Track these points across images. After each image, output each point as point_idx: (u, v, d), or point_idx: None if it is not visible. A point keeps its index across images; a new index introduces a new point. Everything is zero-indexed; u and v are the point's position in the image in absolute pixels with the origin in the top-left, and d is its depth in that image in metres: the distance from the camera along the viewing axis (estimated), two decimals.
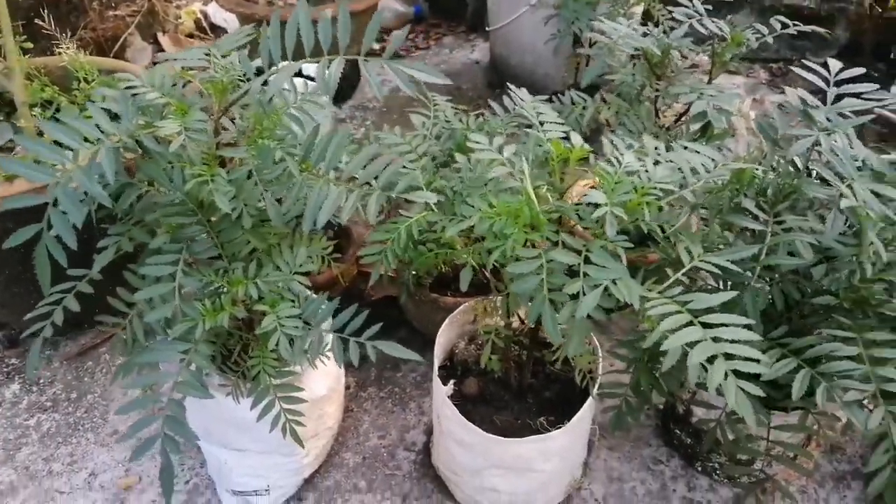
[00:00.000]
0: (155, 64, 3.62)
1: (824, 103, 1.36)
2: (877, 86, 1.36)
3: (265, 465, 1.55)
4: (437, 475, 1.66)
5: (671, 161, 1.22)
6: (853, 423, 1.13)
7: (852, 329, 1.20)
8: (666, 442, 1.75)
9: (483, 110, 1.81)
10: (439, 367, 1.61)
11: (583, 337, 1.09)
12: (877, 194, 1.21)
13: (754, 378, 0.97)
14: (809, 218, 1.26)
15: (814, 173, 1.31)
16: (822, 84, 1.36)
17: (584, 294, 1.05)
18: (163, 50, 3.53)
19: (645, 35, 1.68)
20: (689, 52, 1.77)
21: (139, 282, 1.22)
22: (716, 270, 1.15)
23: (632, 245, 1.15)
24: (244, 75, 1.22)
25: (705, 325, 1.00)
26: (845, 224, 1.25)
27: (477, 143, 1.27)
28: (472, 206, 1.20)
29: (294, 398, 1.22)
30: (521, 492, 1.51)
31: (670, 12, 1.78)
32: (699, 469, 1.68)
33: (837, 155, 1.23)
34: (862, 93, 1.39)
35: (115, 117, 1.13)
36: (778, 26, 1.77)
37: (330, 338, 1.24)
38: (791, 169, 1.34)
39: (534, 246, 1.15)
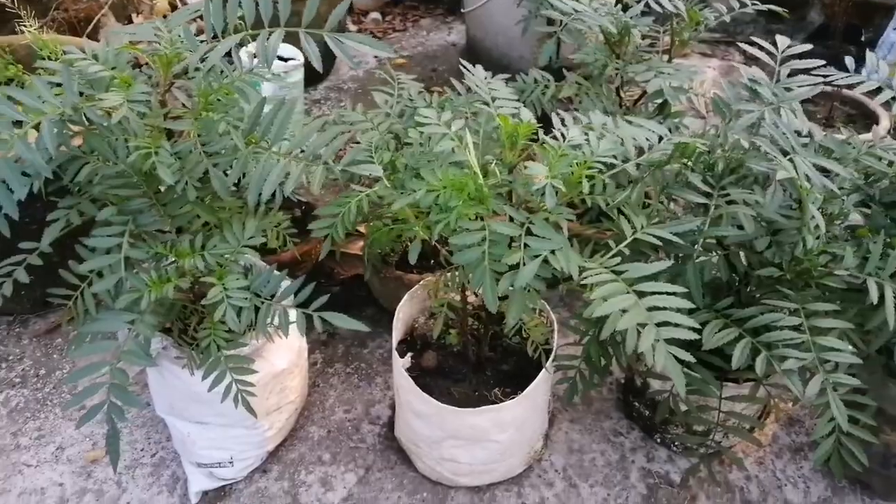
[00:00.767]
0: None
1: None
2: (823, 62, 1.37)
3: (228, 438, 1.57)
4: (399, 447, 1.69)
5: (616, 136, 1.24)
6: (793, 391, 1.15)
7: (795, 300, 1.23)
8: (626, 414, 1.77)
9: (446, 89, 1.82)
10: (400, 342, 1.63)
11: (522, 306, 1.10)
12: (822, 169, 1.23)
13: (691, 346, 0.99)
14: (756, 192, 1.27)
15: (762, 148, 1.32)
16: (769, 60, 1.37)
17: (524, 264, 1.07)
18: None
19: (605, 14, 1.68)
20: (650, 31, 1.78)
21: (89, 254, 1.23)
22: (658, 242, 1.17)
23: (573, 217, 1.17)
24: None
25: (640, 294, 1.02)
26: (792, 197, 1.27)
27: (425, 117, 1.28)
28: (422, 180, 1.21)
29: (245, 369, 1.24)
30: (479, 462, 1.53)
31: None
32: (658, 441, 1.71)
33: (780, 129, 1.25)
34: (810, 69, 1.40)
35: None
36: (736, 5, 1.77)
37: (291, 312, 1.26)
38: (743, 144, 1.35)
39: (481, 219, 1.17)
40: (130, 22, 3.54)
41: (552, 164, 1.15)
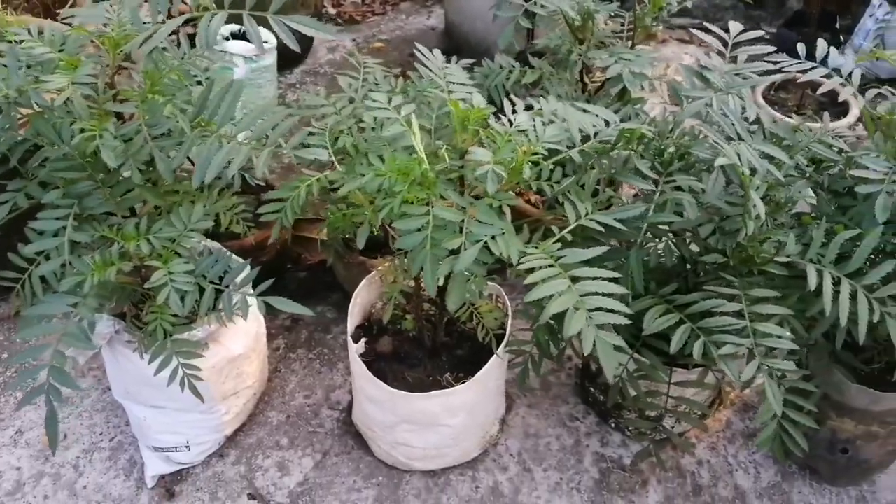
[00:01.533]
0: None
1: None
2: (773, 48, 1.38)
3: (183, 422, 1.58)
4: (357, 432, 1.70)
5: (564, 121, 1.24)
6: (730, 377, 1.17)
7: (738, 286, 1.24)
8: (583, 400, 1.79)
9: (410, 73, 1.82)
10: (357, 327, 1.63)
11: (462, 291, 1.11)
12: (769, 156, 1.24)
13: (624, 329, 1.00)
14: (704, 179, 1.28)
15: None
16: (720, 46, 1.38)
17: (465, 249, 1.08)
18: None
19: None
20: (613, 16, 1.78)
21: (36, 237, 1.23)
22: (600, 228, 1.18)
23: (515, 202, 1.18)
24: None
25: (575, 279, 1.02)
26: (739, 184, 1.28)
27: (375, 101, 1.28)
28: (370, 165, 1.21)
29: (191, 353, 1.24)
30: (433, 446, 1.55)
31: None
32: (612, 425, 1.72)
33: (727, 116, 1.25)
34: (763, 55, 1.41)
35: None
36: None
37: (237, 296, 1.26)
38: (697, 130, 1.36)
39: (427, 204, 1.17)
40: None
41: (496, 149, 1.15)
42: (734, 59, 1.45)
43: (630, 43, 1.82)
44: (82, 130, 1.12)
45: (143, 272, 1.28)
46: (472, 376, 1.45)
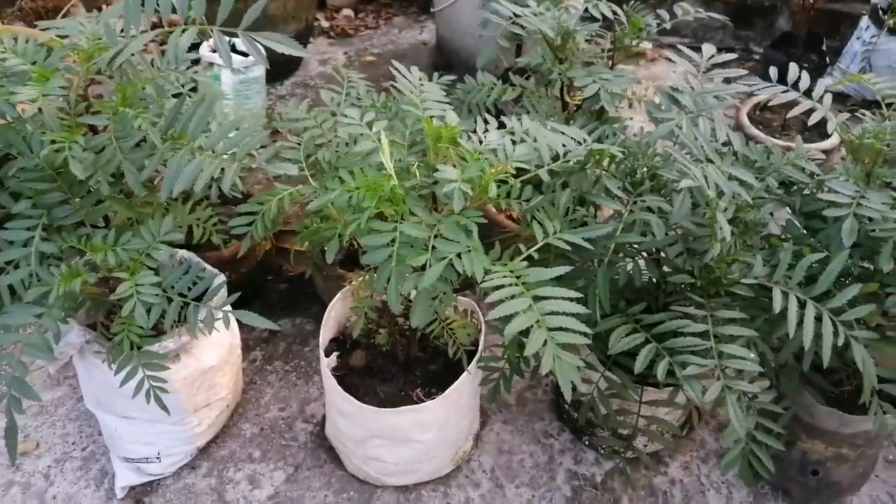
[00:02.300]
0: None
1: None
2: (745, 72, 1.39)
3: (155, 433, 1.58)
4: (330, 446, 1.69)
5: (534, 140, 1.25)
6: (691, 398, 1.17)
7: (704, 307, 1.24)
8: (558, 416, 1.79)
9: (391, 88, 1.82)
10: (331, 340, 1.64)
11: (427, 307, 1.12)
12: (740, 180, 1.25)
13: (596, 347, 1.00)
14: (674, 199, 1.29)
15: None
16: (691, 68, 1.39)
17: (431, 266, 1.08)
18: None
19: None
20: (593, 36, 1.79)
21: (6, 246, 1.23)
22: (567, 247, 1.18)
23: (485, 220, 1.18)
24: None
25: (538, 298, 1.03)
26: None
27: (346, 117, 1.29)
28: (343, 180, 1.22)
29: (158, 365, 1.24)
30: (404, 461, 1.54)
31: None
32: (586, 443, 1.72)
33: (697, 138, 1.26)
34: (735, 77, 1.42)
35: None
36: (679, 12, 1.78)
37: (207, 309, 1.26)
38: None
39: (400, 220, 1.17)
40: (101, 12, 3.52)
41: (465, 167, 1.16)
42: (710, 80, 1.46)
43: (610, 62, 1.83)
44: (52, 142, 1.12)
45: (111, 283, 1.28)
46: (445, 392, 1.45)
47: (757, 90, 1.38)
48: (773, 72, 1.40)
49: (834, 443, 1.45)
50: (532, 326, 0.98)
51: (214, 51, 2.57)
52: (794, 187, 1.42)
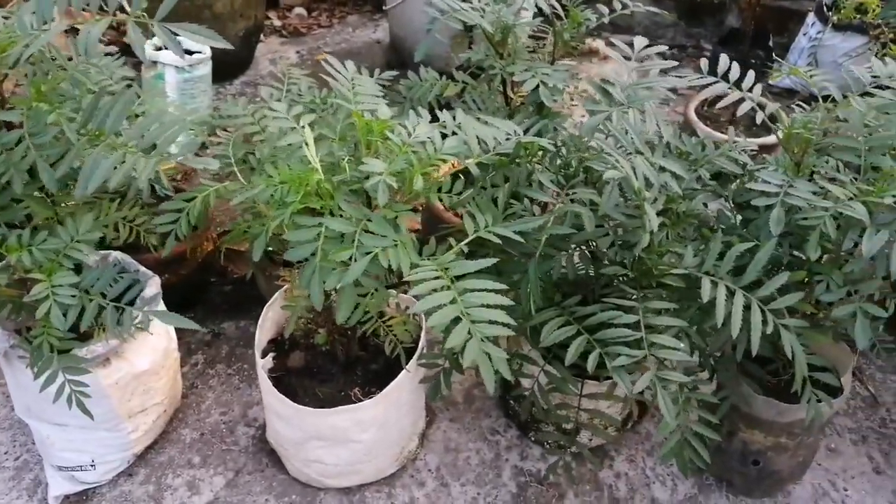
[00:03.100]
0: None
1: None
2: (675, 63, 1.40)
3: (88, 440, 1.53)
4: (272, 450, 1.66)
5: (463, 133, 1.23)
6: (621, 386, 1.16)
7: (637, 298, 1.24)
8: (505, 413, 1.78)
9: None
10: (270, 341, 1.60)
11: (351, 303, 1.10)
12: (671, 172, 1.24)
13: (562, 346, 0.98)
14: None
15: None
16: (623, 61, 1.39)
17: (355, 261, 1.06)
18: None
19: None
20: (536, 31, 1.78)
21: None
22: (497, 240, 1.17)
23: (414, 213, 1.16)
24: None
25: (462, 291, 1.01)
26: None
27: (274, 111, 1.26)
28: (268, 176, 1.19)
29: (79, 369, 1.20)
30: (345, 462, 1.52)
31: None
32: (532, 439, 1.71)
33: (627, 130, 1.26)
34: (668, 69, 1.42)
35: None
36: (618, 6, 1.78)
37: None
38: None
39: (331, 214, 1.15)
40: None
41: (391, 160, 1.14)
42: (646, 73, 1.46)
43: (551, 58, 1.82)
44: None
45: (28, 285, 1.23)
46: (383, 390, 1.43)
47: (687, 82, 1.38)
48: (703, 64, 1.41)
49: (772, 432, 1.46)
50: (453, 320, 0.96)
51: (158, 49, 2.52)
52: (726, 178, 1.42)
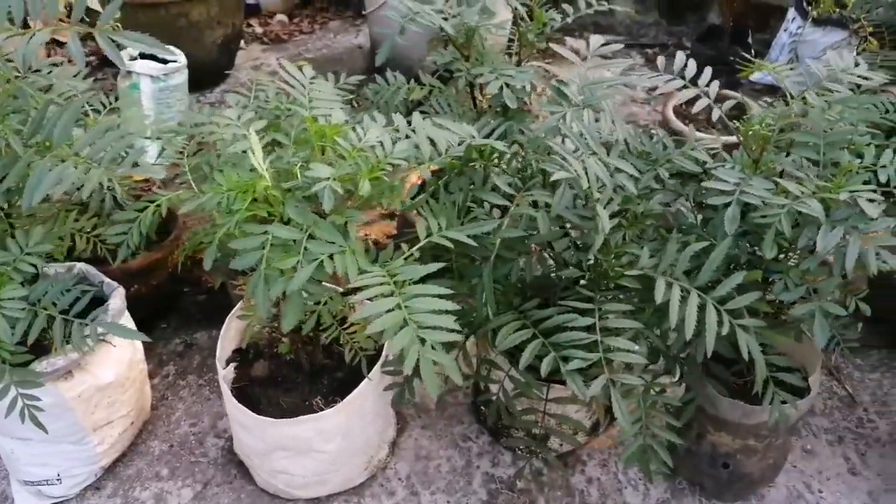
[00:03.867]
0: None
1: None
2: (631, 61, 1.39)
3: (53, 454, 1.51)
4: (241, 461, 1.64)
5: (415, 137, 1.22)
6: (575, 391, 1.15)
7: (594, 300, 1.23)
8: (477, 419, 1.76)
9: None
10: (235, 351, 1.59)
11: (298, 311, 1.08)
12: (627, 172, 1.23)
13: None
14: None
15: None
16: (577, 59, 1.38)
17: (301, 268, 1.05)
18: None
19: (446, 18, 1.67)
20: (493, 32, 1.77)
21: None
22: (449, 244, 1.16)
23: (365, 220, 1.15)
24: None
25: (408, 297, 1.00)
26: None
27: (223, 118, 1.25)
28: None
29: (31, 383, 1.19)
30: (311, 473, 1.50)
31: None
32: (504, 445, 1.69)
33: (580, 131, 1.24)
34: (624, 68, 1.41)
35: None
36: (583, 6, 1.77)
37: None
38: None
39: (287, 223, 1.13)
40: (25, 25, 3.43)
41: (337, 165, 1.13)
42: (626, 73, 1.46)
43: (517, 59, 1.81)
44: None
45: None
46: (345, 399, 1.42)
47: (647, 81, 1.37)
48: (660, 61, 1.40)
49: (739, 434, 1.44)
50: (395, 327, 0.95)
51: (133, 59, 2.51)
52: (693, 178, 1.41)
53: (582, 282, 1.31)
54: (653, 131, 1.45)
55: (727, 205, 1.21)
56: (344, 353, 1.57)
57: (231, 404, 1.41)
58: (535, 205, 1.26)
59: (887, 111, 1.61)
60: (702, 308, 1.14)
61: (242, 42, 3.34)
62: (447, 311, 0.98)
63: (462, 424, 1.76)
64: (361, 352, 1.43)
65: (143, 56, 2.54)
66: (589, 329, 1.18)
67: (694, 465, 1.55)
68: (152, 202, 1.25)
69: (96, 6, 2.66)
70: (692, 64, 1.38)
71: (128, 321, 1.57)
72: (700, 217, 1.36)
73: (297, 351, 1.52)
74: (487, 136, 1.54)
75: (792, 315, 1.20)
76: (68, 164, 1.13)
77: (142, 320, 1.81)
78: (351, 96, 1.70)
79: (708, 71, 1.38)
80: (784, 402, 1.31)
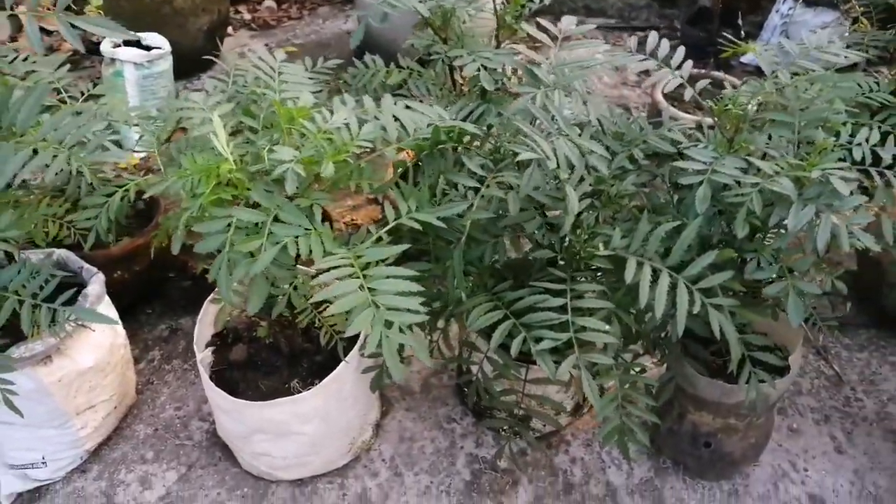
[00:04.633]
0: (13, 39, 3.50)
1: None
2: (602, 42, 1.37)
3: (37, 438, 1.53)
4: (226, 444, 1.65)
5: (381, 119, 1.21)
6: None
7: (566, 281, 1.22)
8: (461, 401, 1.77)
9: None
10: (214, 335, 1.59)
11: (262, 294, 1.08)
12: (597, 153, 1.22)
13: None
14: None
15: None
16: (547, 40, 1.37)
17: (265, 251, 1.05)
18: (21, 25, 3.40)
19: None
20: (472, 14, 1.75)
21: None
22: (418, 227, 1.15)
23: (330, 201, 1.15)
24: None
25: (370, 278, 1.00)
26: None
27: (189, 101, 1.25)
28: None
29: (2, 367, 1.19)
30: (292, 455, 1.51)
31: None
32: (486, 426, 1.70)
33: (550, 112, 1.23)
34: (595, 49, 1.40)
35: None
36: None
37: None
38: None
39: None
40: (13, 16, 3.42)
41: (300, 147, 1.12)
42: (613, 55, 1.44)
43: (495, 41, 1.79)
44: None
45: None
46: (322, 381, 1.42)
47: (619, 61, 1.35)
48: (632, 41, 1.38)
49: (719, 413, 1.44)
50: (356, 308, 0.95)
51: (116, 45, 2.51)
52: (669, 158, 1.40)
53: (560, 263, 1.31)
54: (632, 113, 1.44)
55: (700, 184, 1.20)
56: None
57: (209, 387, 1.42)
58: (509, 187, 1.25)
59: (871, 90, 1.60)
60: (673, 287, 1.13)
61: (230, 28, 3.32)
62: (413, 293, 0.98)
63: (446, 406, 1.76)
64: (337, 335, 1.43)
65: (126, 43, 2.53)
66: (561, 310, 1.18)
67: (676, 444, 1.56)
68: (121, 187, 1.25)
69: None
70: (665, 44, 1.37)
71: (108, 307, 1.58)
72: (676, 197, 1.35)
73: (275, 335, 1.52)
74: (465, 119, 1.54)
75: (765, 293, 1.20)
76: (31, 148, 1.12)
77: (126, 306, 1.82)
78: (328, 80, 1.69)
79: (681, 51, 1.36)
80: (762, 382, 1.31)
